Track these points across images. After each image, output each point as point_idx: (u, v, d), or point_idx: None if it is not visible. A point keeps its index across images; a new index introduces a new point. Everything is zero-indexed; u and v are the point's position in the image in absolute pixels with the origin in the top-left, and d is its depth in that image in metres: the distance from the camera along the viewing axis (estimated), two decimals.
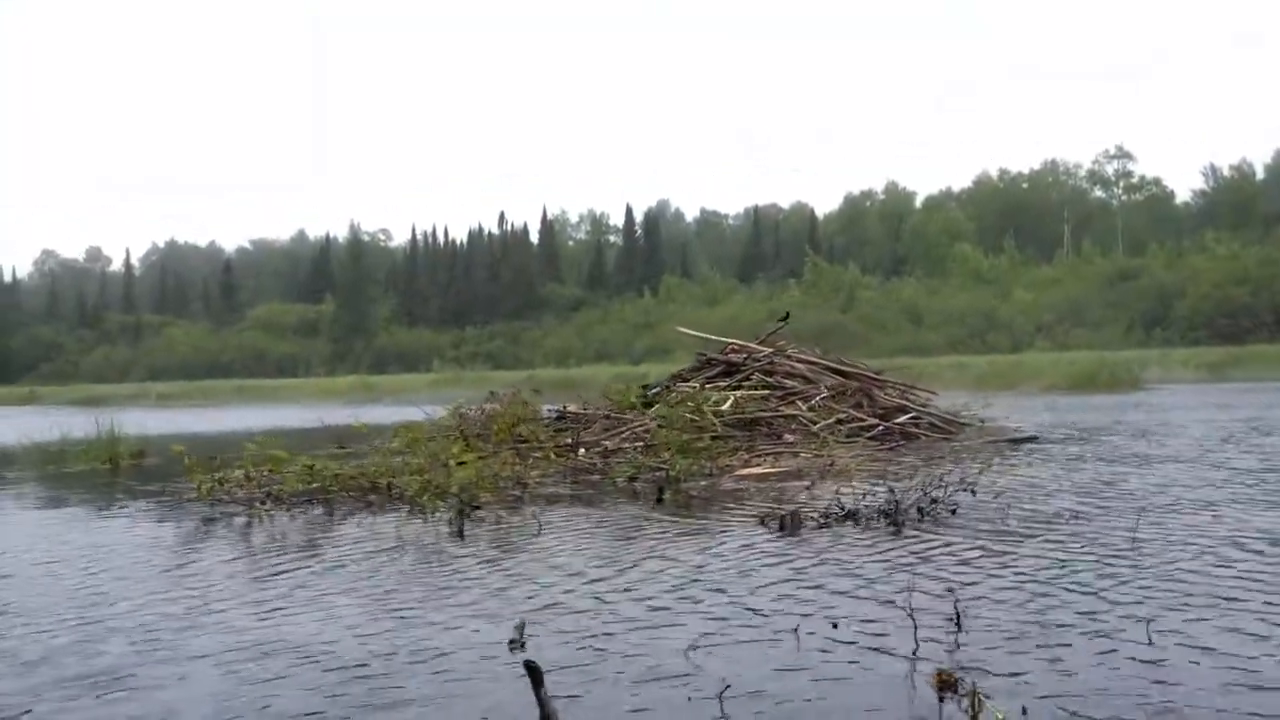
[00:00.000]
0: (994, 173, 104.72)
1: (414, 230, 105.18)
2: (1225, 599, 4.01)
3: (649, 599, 4.34)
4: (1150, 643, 3.46)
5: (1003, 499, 6.88)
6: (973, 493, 6.62)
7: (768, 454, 10.66)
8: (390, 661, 3.48)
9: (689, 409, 12.18)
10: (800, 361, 14.01)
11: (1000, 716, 2.76)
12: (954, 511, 6.41)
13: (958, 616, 3.78)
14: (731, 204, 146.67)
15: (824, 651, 3.48)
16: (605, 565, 5.14)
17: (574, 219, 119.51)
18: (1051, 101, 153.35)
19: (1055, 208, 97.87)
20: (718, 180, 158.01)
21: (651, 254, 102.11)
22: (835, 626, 3.76)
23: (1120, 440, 11.39)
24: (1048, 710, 2.85)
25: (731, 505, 7.24)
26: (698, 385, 13.36)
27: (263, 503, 7.60)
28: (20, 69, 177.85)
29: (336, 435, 12.95)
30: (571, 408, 12.84)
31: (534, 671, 2.53)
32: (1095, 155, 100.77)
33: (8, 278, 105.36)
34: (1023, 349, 56.51)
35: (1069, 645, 3.46)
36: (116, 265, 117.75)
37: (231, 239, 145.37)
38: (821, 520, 6.26)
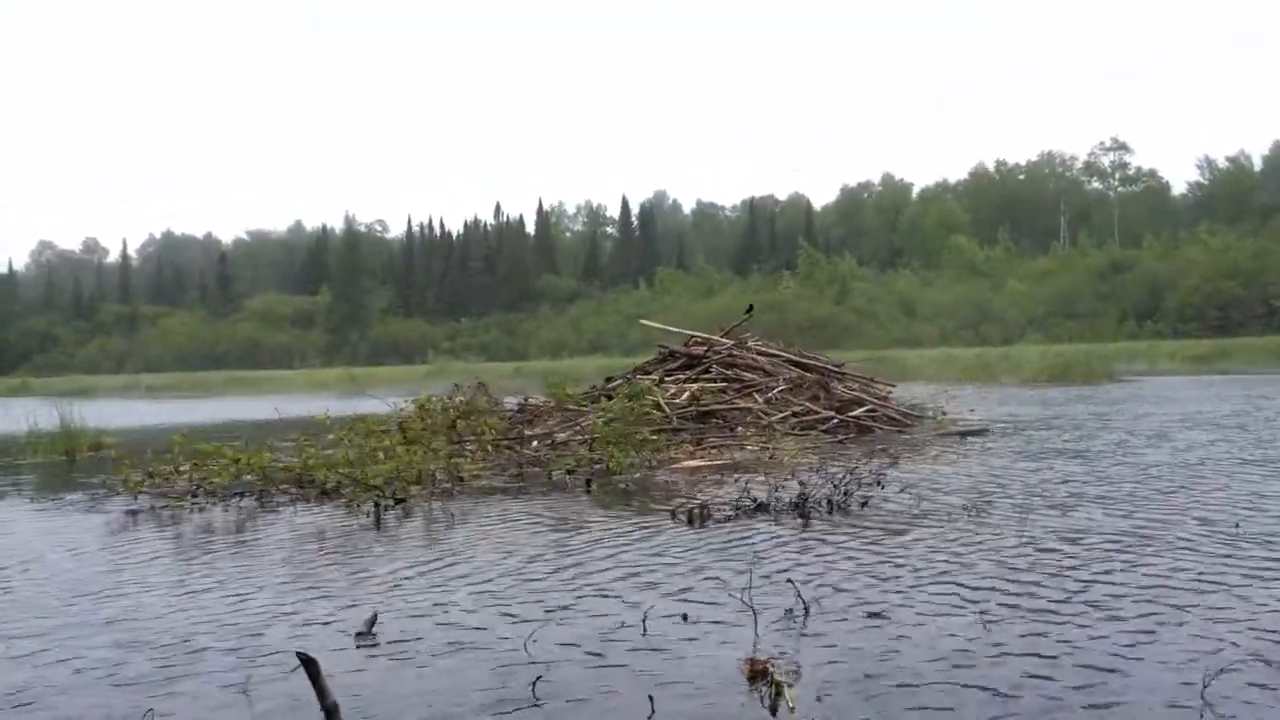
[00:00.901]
0: (990, 165, 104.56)
1: (409, 222, 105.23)
2: (1063, 599, 4.09)
3: (512, 588, 4.42)
4: (977, 636, 3.52)
5: (916, 492, 6.96)
6: (881, 486, 6.69)
7: (714, 446, 10.73)
8: (190, 643, 3.68)
9: (646, 402, 12.30)
10: (761, 354, 14.07)
11: (792, 705, 2.83)
12: (865, 504, 6.48)
13: (805, 607, 3.86)
14: (729, 196, 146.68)
15: (658, 637, 3.56)
16: (490, 556, 5.22)
17: (571, 210, 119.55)
18: (1049, 96, 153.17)
19: (1052, 200, 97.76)
20: (715, 172, 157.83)
21: (647, 246, 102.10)
22: (685, 618, 3.84)
23: (1060, 433, 11.46)
24: (853, 696, 2.92)
25: (655, 498, 7.31)
26: (657, 378, 13.45)
27: (194, 496, 7.68)
28: (19, 64, 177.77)
29: (298, 427, 13.01)
30: (534, 400, 12.92)
31: (309, 664, 2.59)
32: (1091, 148, 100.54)
33: (4, 269, 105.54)
34: (1014, 341, 56.46)
35: (904, 636, 3.53)
36: (113, 257, 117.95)
37: (229, 230, 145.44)
38: (732, 513, 6.33)
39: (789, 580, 4.15)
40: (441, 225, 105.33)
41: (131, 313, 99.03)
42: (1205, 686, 2.89)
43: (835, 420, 12.54)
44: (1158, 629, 3.53)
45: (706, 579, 4.48)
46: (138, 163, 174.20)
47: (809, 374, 13.77)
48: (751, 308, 15.73)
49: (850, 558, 4.91)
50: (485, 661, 3.37)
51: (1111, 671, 3.10)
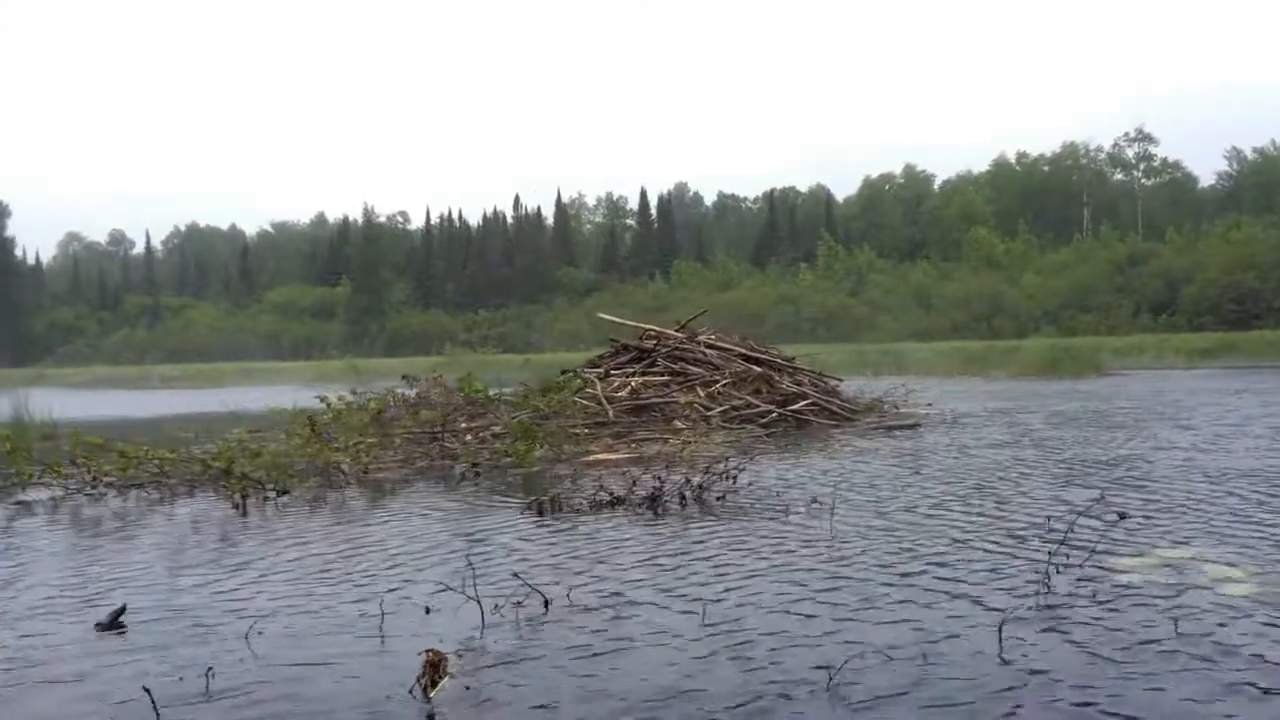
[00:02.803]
0: (1012, 156, 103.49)
1: (428, 214, 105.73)
2: (805, 598, 4.16)
3: (286, 581, 4.57)
4: (693, 637, 3.61)
5: (783, 487, 7.04)
6: (734, 480, 6.75)
7: (639, 439, 10.83)
8: None
9: (585, 395, 12.43)
10: (711, 348, 14.13)
11: (432, 695, 2.94)
12: (722, 498, 6.57)
13: (546, 602, 3.96)
14: (751, 188, 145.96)
15: (380, 628, 3.67)
16: (303, 548, 5.36)
17: (591, 203, 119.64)
18: (1074, 83, 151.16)
19: (1075, 191, 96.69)
20: (738, 164, 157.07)
21: (666, 238, 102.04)
22: (428, 611, 3.94)
23: (987, 429, 11.48)
24: (508, 688, 3.04)
25: (533, 491, 7.40)
26: (603, 371, 13.57)
27: (94, 486, 7.89)
28: (46, 57, 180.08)
29: (249, 420, 13.22)
30: (497, 392, 13.06)
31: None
32: (1116, 139, 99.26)
33: (31, 260, 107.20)
34: (1028, 334, 56.03)
35: (625, 637, 3.63)
36: (139, 249, 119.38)
37: (252, 222, 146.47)
38: (587, 506, 6.43)
39: (515, 574, 4.26)
40: (461, 217, 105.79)
41: (155, 304, 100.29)
42: (833, 677, 2.98)
43: (775, 414, 12.61)
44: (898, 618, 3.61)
45: (491, 570, 4.58)
46: (164, 154, 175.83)
47: (757, 367, 13.82)
48: (704, 311, 15.70)
49: (654, 551, 5.01)
50: (209, 648, 3.51)
51: (822, 668, 3.19)
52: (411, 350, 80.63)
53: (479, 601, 3.81)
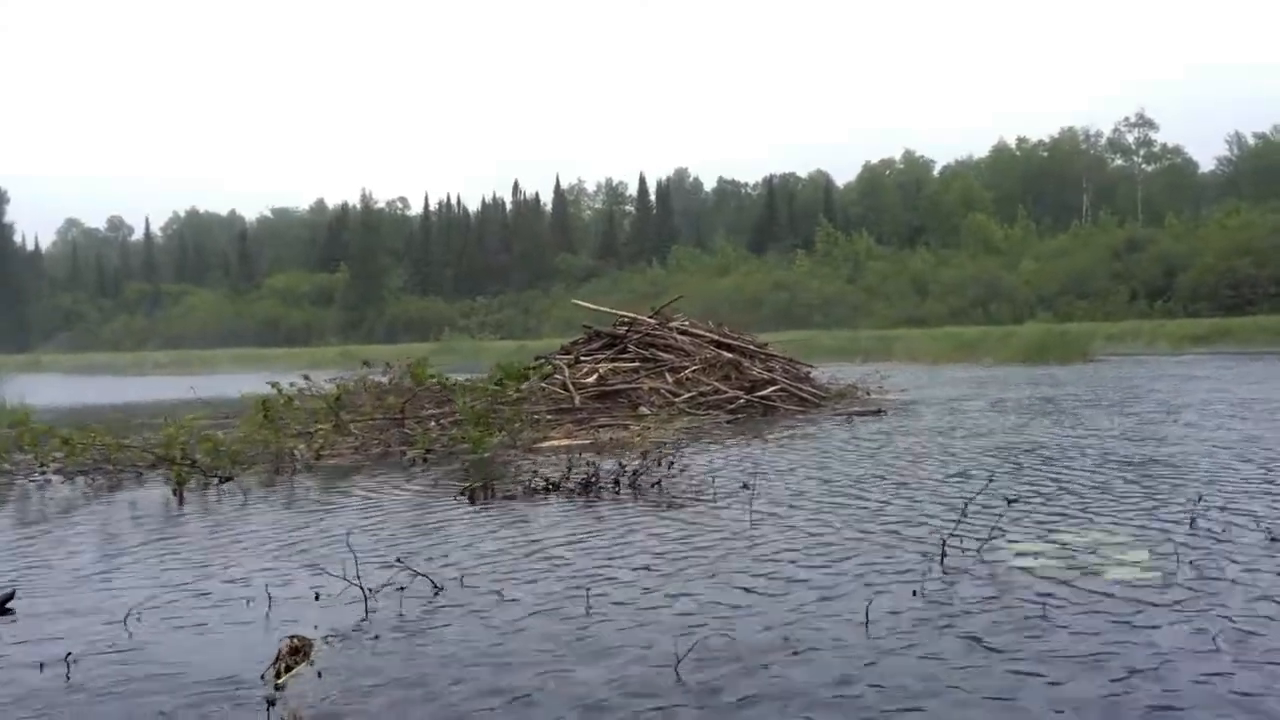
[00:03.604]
0: (1012, 141, 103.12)
1: (426, 200, 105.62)
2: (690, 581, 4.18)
3: (170, 568, 4.61)
4: (583, 614, 3.63)
5: (718, 472, 7.05)
6: (670, 466, 6.76)
7: (601, 425, 10.84)
8: None
9: (555, 381, 12.47)
10: (683, 334, 14.14)
11: (280, 683, 2.96)
12: (657, 484, 6.58)
13: (436, 587, 3.98)
14: (751, 173, 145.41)
15: (254, 615, 3.70)
16: (219, 534, 5.40)
17: (591, 189, 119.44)
18: (1074, 68, 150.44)
19: (1074, 176, 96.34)
20: (738, 150, 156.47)
21: (665, 223, 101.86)
22: (317, 597, 3.96)
23: (948, 415, 11.48)
24: (366, 676, 3.06)
25: (474, 477, 7.41)
26: (573, 358, 13.59)
27: (41, 473, 7.93)
28: (44, 43, 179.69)
29: (216, 405, 13.26)
30: (469, 378, 13.07)
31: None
32: (1116, 124, 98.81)
33: (30, 246, 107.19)
34: (1024, 320, 55.94)
35: (510, 620, 3.65)
36: (138, 235, 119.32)
37: (252, 208, 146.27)
38: (521, 492, 6.46)
39: (398, 559, 4.28)
40: (460, 203, 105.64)
41: (155, 291, 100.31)
42: (679, 662, 3.00)
43: (742, 400, 12.63)
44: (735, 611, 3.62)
45: (403, 555, 4.59)
46: (163, 141, 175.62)
47: (728, 354, 13.83)
48: (679, 297, 15.69)
49: (568, 536, 5.04)
50: (89, 630, 3.55)
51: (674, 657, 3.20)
52: (410, 337, 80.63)
53: (363, 589, 3.84)
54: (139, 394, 22.80)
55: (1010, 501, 4.84)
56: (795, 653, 3.14)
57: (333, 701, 2.83)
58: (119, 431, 8.61)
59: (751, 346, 14.46)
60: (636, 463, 6.80)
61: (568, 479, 6.61)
